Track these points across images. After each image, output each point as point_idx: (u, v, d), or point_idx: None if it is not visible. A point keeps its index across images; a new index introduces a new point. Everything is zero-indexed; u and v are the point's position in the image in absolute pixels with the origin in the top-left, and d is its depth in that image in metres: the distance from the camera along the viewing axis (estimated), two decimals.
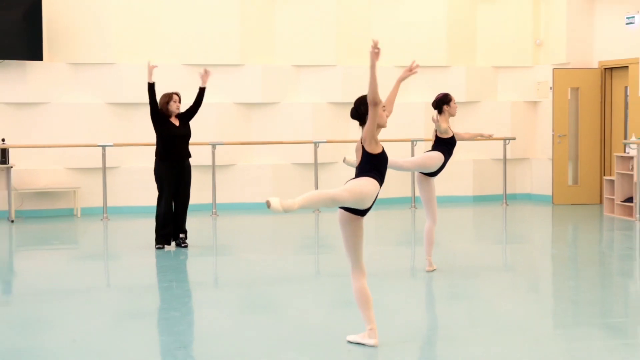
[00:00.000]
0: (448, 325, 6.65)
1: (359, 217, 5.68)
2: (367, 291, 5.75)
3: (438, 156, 8.39)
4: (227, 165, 14.39)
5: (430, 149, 8.55)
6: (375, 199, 5.67)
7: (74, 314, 6.98)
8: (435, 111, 8.46)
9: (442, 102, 8.52)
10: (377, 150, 5.68)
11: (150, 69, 10.04)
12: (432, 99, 8.71)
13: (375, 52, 5.40)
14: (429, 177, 8.46)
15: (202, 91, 10.35)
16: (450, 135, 8.43)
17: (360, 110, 5.73)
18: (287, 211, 5.20)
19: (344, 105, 14.79)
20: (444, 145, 8.43)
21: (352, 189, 5.53)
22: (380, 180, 5.71)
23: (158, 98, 10.10)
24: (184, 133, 10.15)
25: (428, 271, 8.53)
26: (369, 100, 5.54)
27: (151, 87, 9.99)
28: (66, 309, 7.17)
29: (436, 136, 8.46)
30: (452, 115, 8.54)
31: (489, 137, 9.44)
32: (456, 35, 15.34)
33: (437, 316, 7.12)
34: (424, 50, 15.11)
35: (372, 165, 5.68)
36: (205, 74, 10.34)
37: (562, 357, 5.65)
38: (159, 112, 10.03)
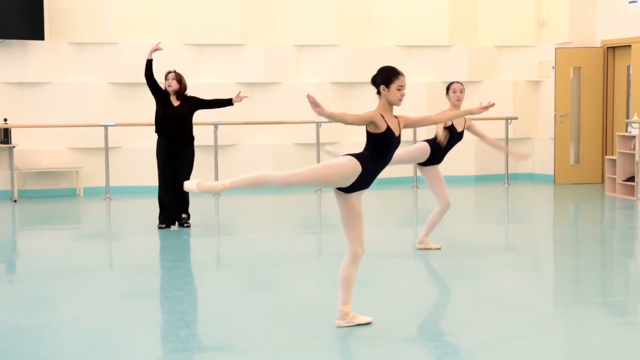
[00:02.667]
0: (449, 304, 6.68)
1: (341, 192, 5.68)
2: (346, 273, 5.77)
3: (421, 148, 8.34)
4: (229, 145, 14.39)
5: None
6: (366, 178, 5.61)
7: (77, 293, 7.01)
8: (441, 130, 8.27)
9: (447, 92, 8.47)
10: (375, 131, 5.64)
11: (153, 49, 10.01)
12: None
13: (314, 104, 5.41)
14: (424, 167, 8.40)
15: (227, 104, 10.27)
16: (449, 124, 8.31)
17: (376, 81, 5.74)
18: (210, 192, 5.41)
19: (346, 85, 14.78)
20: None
21: (317, 169, 5.60)
22: (376, 159, 5.63)
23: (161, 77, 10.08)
24: (179, 114, 9.96)
25: (418, 248, 8.60)
26: (345, 120, 5.56)
27: (148, 63, 9.94)
28: (69, 288, 7.20)
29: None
30: (454, 105, 8.44)
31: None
32: (458, 15, 15.29)
33: (439, 295, 7.15)
34: (426, 29, 15.08)
35: (370, 143, 5.67)
36: (239, 97, 10.29)
37: (563, 335, 5.68)
38: (157, 88, 9.99)
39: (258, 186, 5.58)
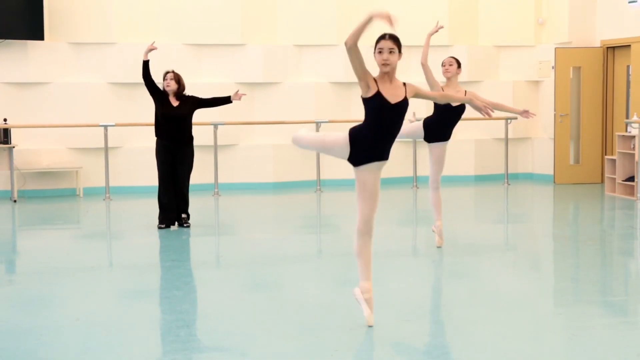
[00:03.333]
0: (449, 303, 6.68)
1: (353, 165, 5.75)
2: (354, 246, 5.75)
3: (415, 125, 8.78)
4: (229, 145, 14.39)
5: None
6: (365, 150, 5.64)
7: (77, 293, 7.01)
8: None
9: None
10: (365, 95, 5.62)
11: (148, 49, 10.02)
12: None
13: (389, 20, 5.47)
14: (428, 143, 8.64)
15: (226, 101, 10.26)
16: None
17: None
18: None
19: (346, 85, 14.77)
20: (435, 110, 8.64)
21: (322, 137, 5.90)
22: (371, 128, 5.59)
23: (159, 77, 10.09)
24: (178, 114, 9.94)
25: (432, 230, 8.72)
26: (345, 41, 5.56)
27: (145, 64, 9.95)
28: (69, 288, 7.20)
29: None
30: (446, 77, 8.64)
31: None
32: (458, 15, 15.29)
33: (438, 295, 7.15)
34: (426, 29, 14.99)
35: (365, 110, 5.65)
36: (238, 95, 10.29)
37: (562, 335, 5.68)
38: (155, 88, 9.99)
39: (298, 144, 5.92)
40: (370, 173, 5.70)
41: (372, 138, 5.62)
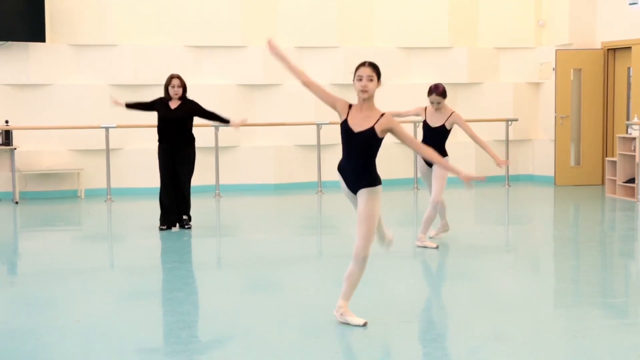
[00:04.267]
0: (450, 304, 6.69)
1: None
2: (349, 269, 5.82)
3: (418, 165, 9.29)
4: (229, 147, 14.40)
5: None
6: (341, 173, 5.85)
7: (78, 295, 7.02)
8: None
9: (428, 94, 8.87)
10: (339, 120, 5.80)
11: (115, 102, 10.41)
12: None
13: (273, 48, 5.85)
14: (430, 167, 8.96)
15: (224, 122, 10.28)
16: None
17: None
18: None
19: (346, 87, 14.69)
20: (423, 132, 9.03)
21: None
22: (343, 152, 5.81)
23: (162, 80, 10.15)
24: (176, 117, 9.95)
25: (417, 245, 8.85)
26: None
27: (128, 106, 10.25)
28: (70, 290, 7.21)
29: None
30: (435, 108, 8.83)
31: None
32: (458, 16, 15.30)
33: (439, 296, 7.15)
34: (427, 31, 15.09)
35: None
36: (239, 124, 10.37)
37: (562, 336, 5.68)
38: (151, 105, 10.16)
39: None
40: (360, 200, 5.75)
41: (342, 161, 5.81)
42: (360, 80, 5.68)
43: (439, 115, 8.80)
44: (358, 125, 5.67)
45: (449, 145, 9.04)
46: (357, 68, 5.74)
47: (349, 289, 5.82)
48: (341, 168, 5.86)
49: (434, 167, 8.80)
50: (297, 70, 5.90)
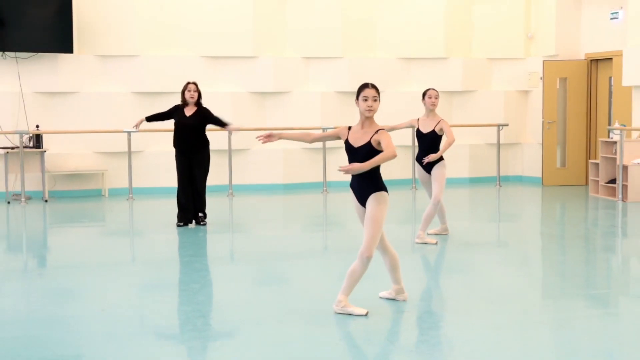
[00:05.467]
0: (446, 296, 6.67)
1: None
2: (352, 266, 5.83)
3: (419, 174, 9.17)
4: (242, 150, 14.39)
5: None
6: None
7: (103, 285, 7.02)
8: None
9: (423, 97, 8.91)
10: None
11: (136, 125, 10.54)
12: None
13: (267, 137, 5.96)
14: (429, 173, 8.96)
15: (223, 126, 10.30)
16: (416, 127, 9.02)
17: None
18: None
19: (351, 94, 14.73)
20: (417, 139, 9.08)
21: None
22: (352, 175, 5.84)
23: (179, 87, 10.16)
24: (191, 123, 9.94)
25: (416, 242, 8.79)
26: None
27: (149, 119, 10.33)
28: (95, 281, 7.21)
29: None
30: (429, 109, 8.82)
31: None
32: (454, 29, 15.28)
33: (436, 288, 7.14)
34: (424, 42, 15.08)
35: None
36: (234, 128, 10.59)
37: (550, 325, 5.67)
38: (168, 114, 10.18)
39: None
40: (360, 214, 5.86)
41: (352, 178, 5.83)
42: (366, 100, 5.72)
43: (429, 122, 8.84)
44: (358, 140, 5.76)
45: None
46: (362, 89, 5.77)
47: (350, 285, 5.81)
48: (352, 185, 5.88)
49: (432, 170, 8.78)
50: (301, 136, 6.18)
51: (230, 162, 13.65)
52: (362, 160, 5.67)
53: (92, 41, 13.84)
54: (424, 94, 8.86)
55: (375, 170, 5.76)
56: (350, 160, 5.80)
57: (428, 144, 8.80)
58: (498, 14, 15.47)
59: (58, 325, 5.69)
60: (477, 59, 15.47)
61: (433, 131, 8.81)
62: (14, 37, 13.21)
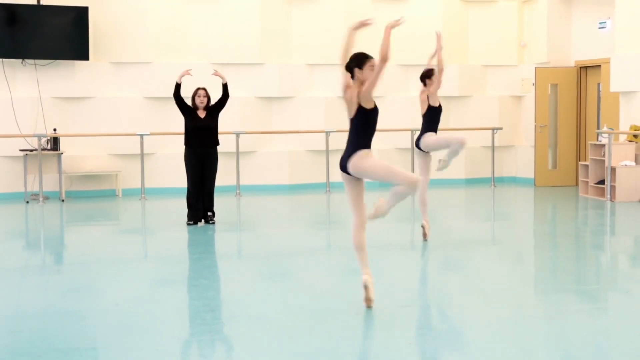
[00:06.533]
0: (442, 292, 6.65)
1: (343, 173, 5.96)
2: (357, 239, 5.80)
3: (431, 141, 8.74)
4: (249, 152, 14.38)
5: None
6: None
7: (116, 281, 7.01)
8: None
9: (424, 77, 8.78)
10: (371, 106, 5.80)
11: (184, 74, 10.02)
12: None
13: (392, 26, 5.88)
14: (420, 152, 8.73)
15: (225, 86, 10.27)
16: (436, 104, 8.69)
17: (351, 65, 6.00)
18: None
19: None
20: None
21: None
22: (366, 139, 5.88)
23: (189, 92, 10.12)
24: (206, 125, 9.95)
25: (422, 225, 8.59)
26: (381, 56, 5.62)
27: (177, 86, 9.97)
28: (109, 277, 7.21)
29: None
30: (430, 92, 8.65)
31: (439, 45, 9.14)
32: (450, 38, 15.22)
33: (433, 284, 7.13)
34: (422, 50, 14.95)
35: (364, 120, 5.80)
36: (217, 73, 10.28)
37: (542, 319, 5.65)
38: (184, 106, 10.00)
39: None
40: (346, 182, 6.01)
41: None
42: (372, 69, 5.80)
43: (434, 97, 8.67)
44: (349, 96, 5.96)
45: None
46: (368, 58, 5.89)
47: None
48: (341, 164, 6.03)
49: (421, 142, 8.60)
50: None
51: (237, 164, 13.64)
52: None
53: (107, 49, 13.84)
54: (430, 75, 8.73)
55: (352, 137, 5.94)
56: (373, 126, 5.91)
57: (437, 117, 8.66)
58: (493, 23, 15.45)
59: (74, 318, 5.68)
60: (472, 65, 15.45)
61: (440, 105, 8.73)
62: (33, 45, 13.22)
